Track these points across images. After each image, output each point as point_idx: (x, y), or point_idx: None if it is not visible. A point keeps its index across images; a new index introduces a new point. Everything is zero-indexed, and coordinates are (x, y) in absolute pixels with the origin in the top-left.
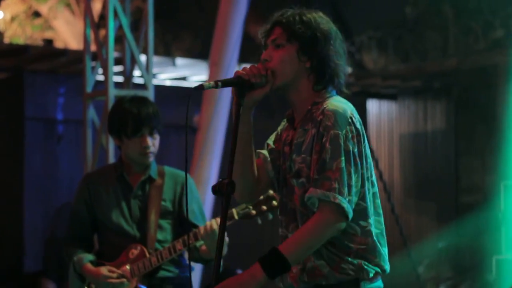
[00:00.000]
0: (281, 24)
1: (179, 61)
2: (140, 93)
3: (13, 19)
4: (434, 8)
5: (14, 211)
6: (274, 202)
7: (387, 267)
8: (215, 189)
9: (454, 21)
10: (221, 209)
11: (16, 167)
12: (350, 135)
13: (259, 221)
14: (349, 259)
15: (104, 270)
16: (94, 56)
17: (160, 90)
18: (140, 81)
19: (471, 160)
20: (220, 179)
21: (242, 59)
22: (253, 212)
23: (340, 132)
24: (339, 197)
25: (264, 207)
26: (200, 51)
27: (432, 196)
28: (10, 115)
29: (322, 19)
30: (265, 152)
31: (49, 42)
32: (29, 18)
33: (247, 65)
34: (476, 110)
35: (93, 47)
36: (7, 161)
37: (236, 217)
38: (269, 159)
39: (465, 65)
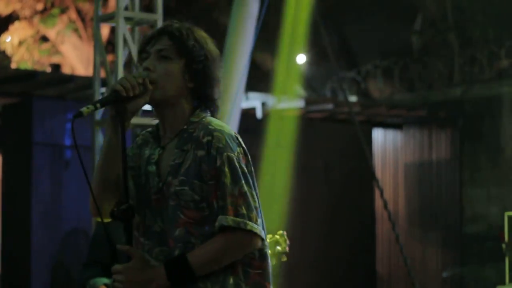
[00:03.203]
0: (172, 36)
1: None
2: (148, 120)
3: (20, 43)
4: (439, 37)
5: (21, 236)
6: (279, 248)
7: None
8: (113, 215)
9: (459, 51)
10: (125, 233)
11: (24, 192)
12: (241, 156)
13: None
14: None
15: None
16: (103, 83)
17: None
18: (148, 107)
19: (476, 190)
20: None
21: (248, 87)
22: None
23: (233, 154)
24: (250, 223)
25: (269, 252)
26: None
27: (436, 225)
28: (19, 140)
29: (210, 40)
30: None
31: (56, 66)
32: (37, 42)
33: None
34: (481, 140)
35: (101, 73)
36: (15, 185)
37: None
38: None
39: (470, 95)
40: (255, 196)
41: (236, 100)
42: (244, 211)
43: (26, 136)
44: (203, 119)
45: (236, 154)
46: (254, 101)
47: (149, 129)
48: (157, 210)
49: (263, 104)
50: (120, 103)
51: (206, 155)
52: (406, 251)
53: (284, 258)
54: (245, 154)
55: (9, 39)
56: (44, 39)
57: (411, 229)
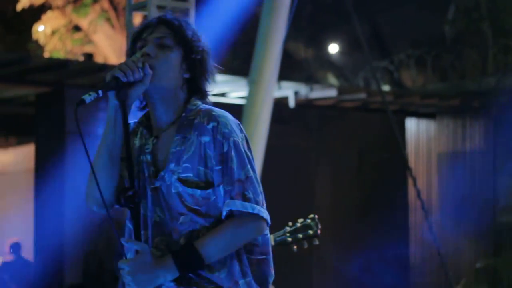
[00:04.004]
0: (171, 25)
1: (219, 77)
2: None
3: (53, 33)
4: (473, 27)
5: (55, 225)
6: (310, 232)
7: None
8: (120, 201)
9: (492, 40)
10: (131, 219)
11: (57, 181)
12: (244, 142)
13: (294, 249)
14: (249, 274)
15: None
16: None
17: None
18: None
19: (509, 180)
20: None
21: (281, 76)
22: (289, 239)
23: (238, 139)
24: (257, 206)
25: (301, 235)
26: (238, 67)
27: (470, 216)
28: (52, 129)
29: (202, 35)
30: None
31: (89, 56)
32: (69, 32)
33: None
34: None
35: None
36: (49, 175)
37: (272, 243)
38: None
39: (504, 84)
40: (259, 181)
41: (268, 89)
42: (251, 195)
43: (59, 125)
44: (201, 106)
45: (240, 139)
46: (287, 90)
47: (136, 120)
48: (155, 200)
49: (296, 93)
50: (121, 89)
51: (212, 141)
52: (439, 242)
53: (316, 242)
54: (247, 140)
55: (42, 28)
56: (77, 28)
57: (444, 219)
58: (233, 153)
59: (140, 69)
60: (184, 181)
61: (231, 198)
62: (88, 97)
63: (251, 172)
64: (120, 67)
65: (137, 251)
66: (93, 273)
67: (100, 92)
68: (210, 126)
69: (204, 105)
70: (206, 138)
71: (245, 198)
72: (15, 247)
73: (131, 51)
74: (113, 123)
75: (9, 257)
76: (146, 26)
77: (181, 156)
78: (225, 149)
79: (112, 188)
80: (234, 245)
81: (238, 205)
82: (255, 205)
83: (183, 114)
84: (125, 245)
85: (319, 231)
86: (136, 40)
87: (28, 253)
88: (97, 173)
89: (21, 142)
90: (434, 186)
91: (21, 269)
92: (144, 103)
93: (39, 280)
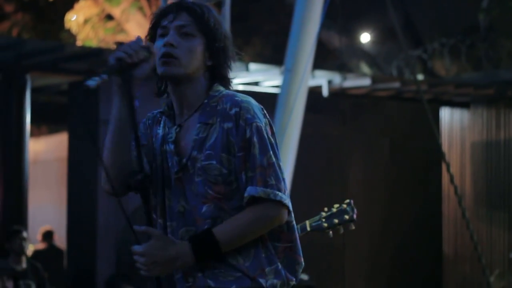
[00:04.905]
0: (192, 12)
1: (252, 66)
2: None
3: (86, 21)
4: (507, 15)
5: (88, 214)
6: (346, 217)
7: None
8: (130, 186)
9: None
10: (144, 204)
11: (91, 169)
12: (268, 127)
13: (330, 234)
14: (276, 262)
15: None
16: None
17: None
18: None
19: None
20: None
21: (314, 65)
22: (325, 225)
23: (261, 124)
24: (279, 193)
25: (336, 220)
26: (270, 56)
27: (503, 206)
28: (85, 118)
29: (222, 21)
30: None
31: (121, 45)
32: (102, 21)
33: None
34: None
35: None
36: (82, 163)
37: (308, 228)
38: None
39: None
40: (282, 168)
41: (304, 78)
42: (273, 181)
43: (92, 113)
44: (224, 92)
45: (264, 124)
46: (320, 79)
47: (159, 109)
48: (179, 190)
49: (329, 82)
50: (125, 71)
51: (235, 126)
52: (472, 228)
53: (352, 227)
54: (270, 125)
55: (75, 17)
56: (109, 17)
57: (478, 209)
58: (255, 139)
59: (144, 49)
60: (207, 169)
61: (253, 184)
62: (92, 82)
63: (273, 158)
64: (122, 48)
65: (150, 237)
66: (126, 262)
67: (104, 76)
68: (232, 111)
69: (226, 91)
70: (229, 124)
71: (267, 185)
72: (48, 235)
73: (150, 37)
74: (120, 105)
75: (42, 245)
76: (166, 12)
77: (204, 143)
78: (248, 135)
79: (124, 172)
80: (254, 231)
81: (259, 191)
82: (277, 192)
83: (206, 101)
84: (139, 231)
85: (355, 216)
86: (155, 26)
87: (60, 241)
88: (109, 158)
89: (52, 130)
90: (468, 176)
91: (54, 257)
92: (161, 88)
93: (72, 268)
